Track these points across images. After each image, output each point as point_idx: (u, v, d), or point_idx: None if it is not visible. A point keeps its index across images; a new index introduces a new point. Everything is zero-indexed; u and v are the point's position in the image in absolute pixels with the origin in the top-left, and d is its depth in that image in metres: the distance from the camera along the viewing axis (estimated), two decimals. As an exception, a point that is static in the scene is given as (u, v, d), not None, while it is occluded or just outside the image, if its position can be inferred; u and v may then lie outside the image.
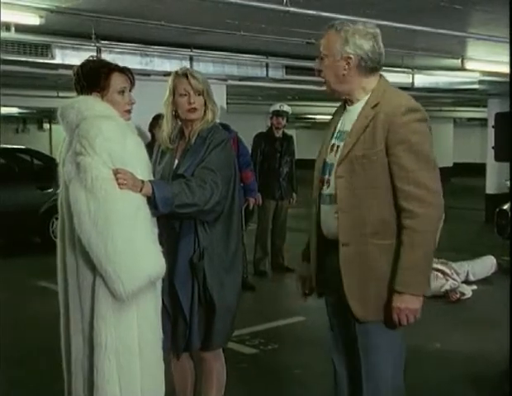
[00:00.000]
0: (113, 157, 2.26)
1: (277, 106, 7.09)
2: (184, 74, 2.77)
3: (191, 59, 7.02)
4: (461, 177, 18.71)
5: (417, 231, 2.15)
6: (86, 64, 2.44)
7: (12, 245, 8.73)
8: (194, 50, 7.04)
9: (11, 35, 5.34)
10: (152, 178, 2.50)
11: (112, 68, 2.42)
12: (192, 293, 2.73)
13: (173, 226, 2.72)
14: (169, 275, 2.58)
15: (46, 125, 18.21)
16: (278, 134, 7.15)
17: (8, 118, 15.68)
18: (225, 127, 6.33)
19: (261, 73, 7.73)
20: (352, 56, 2.23)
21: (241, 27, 5.93)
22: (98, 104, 2.36)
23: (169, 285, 2.68)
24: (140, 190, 2.35)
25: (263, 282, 6.93)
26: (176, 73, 2.81)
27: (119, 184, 2.26)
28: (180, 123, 2.84)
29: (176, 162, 2.81)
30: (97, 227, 2.18)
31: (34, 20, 5.11)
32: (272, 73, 7.82)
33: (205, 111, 2.78)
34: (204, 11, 5.22)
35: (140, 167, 2.37)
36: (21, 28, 5.44)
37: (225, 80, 7.66)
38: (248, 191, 6.18)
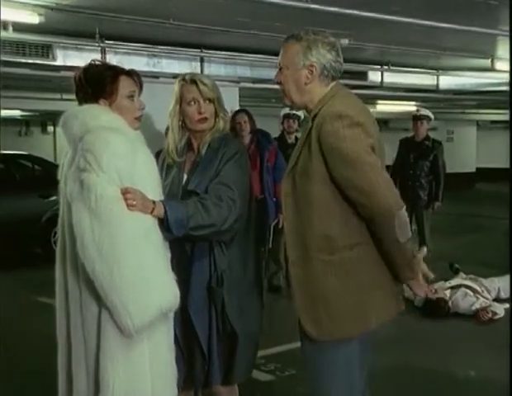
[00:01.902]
0: (122, 175, 2.16)
1: (287, 109, 6.96)
2: (192, 81, 2.66)
3: (201, 60, 7.03)
4: (485, 183, 18.44)
5: (382, 230, 2.18)
6: (89, 69, 2.34)
7: (12, 256, 8.58)
8: (205, 51, 7.04)
9: (9, 34, 5.26)
10: (163, 197, 2.39)
11: (118, 70, 2.34)
12: (210, 322, 2.63)
13: (184, 249, 2.60)
14: (182, 303, 2.43)
15: (50, 128, 18.18)
16: (291, 139, 7.03)
17: (11, 120, 15.65)
18: (265, 135, 6.28)
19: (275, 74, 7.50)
20: (315, 64, 2.26)
21: (255, 26, 5.92)
22: (105, 114, 2.28)
23: (182, 314, 2.55)
24: (152, 212, 2.25)
25: (276, 298, 6.71)
26: (183, 79, 2.69)
27: (128, 205, 2.17)
28: (187, 134, 2.73)
29: (185, 176, 2.70)
30: (102, 252, 2.09)
31: (32, 18, 5.03)
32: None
33: (215, 120, 2.68)
34: (215, 8, 5.23)
35: (151, 185, 2.29)
36: (19, 27, 5.37)
37: (238, 82, 7.59)
38: (281, 208, 6.01)
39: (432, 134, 7.34)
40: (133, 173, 2.20)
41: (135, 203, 2.18)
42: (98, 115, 2.26)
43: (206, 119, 2.65)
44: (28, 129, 18.31)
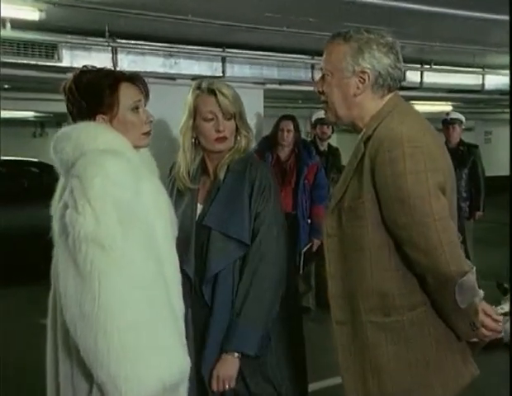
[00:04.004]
0: (119, 209, 1.90)
1: (320, 114, 6.74)
2: (210, 91, 2.42)
3: (223, 60, 6.74)
4: (524, 188, 17.92)
5: (438, 294, 1.95)
6: (80, 77, 2.12)
7: (15, 271, 8.39)
8: (227, 50, 6.76)
9: (8, 32, 5.03)
10: (176, 233, 2.20)
11: (118, 77, 2.12)
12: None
13: (201, 298, 2.41)
14: (196, 364, 2.32)
15: (66, 130, 18.28)
16: (323, 146, 6.85)
17: (25, 122, 15.81)
18: (307, 148, 5.98)
19: (305, 75, 7.44)
20: (368, 71, 2.04)
21: (284, 22, 5.61)
22: (104, 133, 2.06)
23: (199, 384, 2.38)
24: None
25: (306, 322, 6.27)
26: (198, 87, 2.45)
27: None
28: (201, 153, 2.54)
29: (199, 207, 2.48)
30: (85, 314, 1.85)
31: (33, 14, 4.80)
32: (318, 75, 7.26)
33: (235, 137, 2.48)
34: (239, 2, 5.06)
35: (161, 223, 2.06)
36: (19, 25, 5.17)
37: (263, 84, 7.37)
38: (314, 231, 5.85)
39: (468, 136, 7.06)
40: (134, 208, 1.95)
41: None
42: (95, 134, 2.04)
43: (225, 138, 2.44)
44: (43, 130, 18.56)
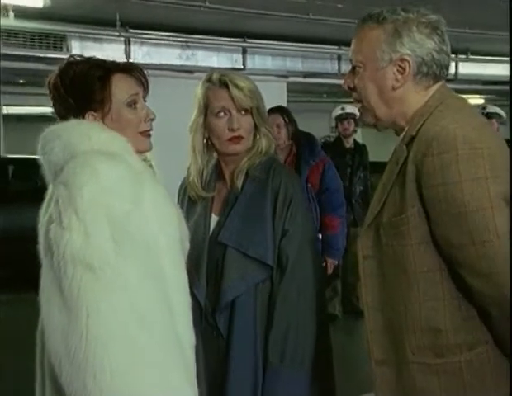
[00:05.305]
0: (113, 223, 1.72)
1: (338, 110, 6.54)
2: (222, 82, 2.23)
3: (244, 52, 6.75)
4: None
5: (507, 330, 1.70)
6: (66, 70, 1.92)
7: (22, 277, 8.39)
8: (248, 40, 6.76)
9: (10, 21, 4.90)
10: (187, 248, 1.99)
11: (110, 67, 1.93)
12: None
13: (214, 327, 2.17)
14: None
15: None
16: (349, 143, 6.59)
17: (42, 118, 15.93)
18: (309, 143, 5.11)
19: (332, 67, 7.40)
20: (408, 58, 1.80)
21: (310, 8, 5.44)
22: (97, 132, 1.89)
23: None
24: None
25: (333, 332, 6.04)
26: (209, 80, 2.26)
27: None
28: (216, 156, 2.35)
29: (214, 218, 2.27)
30: (70, 351, 1.67)
31: (36, 1, 4.67)
32: (345, 68, 7.49)
33: (254, 137, 2.27)
34: None
35: (165, 238, 1.86)
36: (23, 14, 5.06)
37: (286, 77, 7.41)
38: (329, 248, 5.03)
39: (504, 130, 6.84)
40: (132, 221, 1.76)
41: None
42: (87, 133, 1.86)
43: (240, 138, 2.23)
44: (63, 125, 19.07)
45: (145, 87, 1.99)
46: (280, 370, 2.12)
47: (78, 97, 1.89)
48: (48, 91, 1.96)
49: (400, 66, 1.82)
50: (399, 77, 1.82)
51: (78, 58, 1.96)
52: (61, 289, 1.70)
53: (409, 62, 1.81)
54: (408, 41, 1.81)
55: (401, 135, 1.91)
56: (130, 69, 1.97)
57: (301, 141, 5.05)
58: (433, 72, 1.83)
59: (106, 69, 1.93)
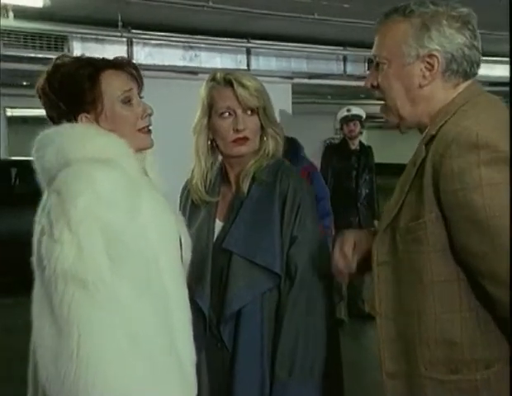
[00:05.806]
0: (108, 236, 1.66)
1: (344, 112, 6.58)
2: (227, 81, 2.18)
3: (248, 52, 6.79)
4: None
5: None
6: (54, 73, 1.85)
7: (23, 283, 8.36)
8: (252, 41, 6.79)
9: (10, 22, 4.91)
10: (189, 257, 1.98)
11: (99, 65, 1.87)
12: None
13: (218, 338, 2.12)
14: None
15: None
16: (354, 145, 6.61)
17: (47, 119, 16.17)
18: (294, 148, 5.18)
19: (337, 68, 7.39)
20: (437, 54, 1.74)
21: (315, 8, 5.43)
22: (91, 136, 1.82)
23: None
24: None
25: (340, 337, 6.07)
26: (213, 78, 2.22)
27: None
28: (220, 159, 2.31)
29: (218, 224, 2.22)
30: (60, 372, 1.62)
31: (36, 1, 4.67)
32: (350, 69, 7.46)
33: (261, 138, 2.22)
34: None
35: (165, 249, 1.82)
36: (23, 14, 5.07)
37: (291, 78, 7.40)
38: None
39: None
40: (128, 233, 1.70)
41: None
42: (82, 138, 1.80)
43: (245, 139, 2.18)
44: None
45: (139, 82, 1.93)
46: (288, 383, 2.06)
47: (69, 100, 1.84)
48: (38, 98, 1.88)
49: (428, 62, 1.76)
50: (426, 74, 1.77)
51: (66, 59, 1.90)
52: (52, 305, 1.65)
53: (437, 58, 1.75)
54: (437, 36, 1.75)
55: (423, 135, 1.83)
56: (121, 65, 1.91)
57: (285, 147, 5.02)
58: (464, 69, 1.76)
59: (95, 67, 1.87)
